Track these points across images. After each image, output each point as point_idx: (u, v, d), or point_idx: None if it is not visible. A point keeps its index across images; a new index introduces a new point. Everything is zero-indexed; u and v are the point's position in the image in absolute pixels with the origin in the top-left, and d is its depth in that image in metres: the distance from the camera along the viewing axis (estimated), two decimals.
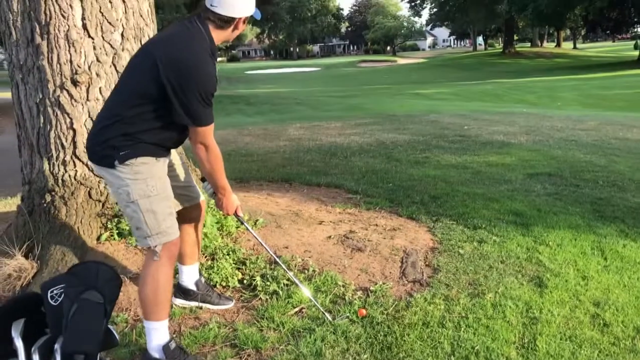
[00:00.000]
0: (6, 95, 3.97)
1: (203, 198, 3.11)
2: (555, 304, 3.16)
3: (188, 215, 2.98)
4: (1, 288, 3.36)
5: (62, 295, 1.20)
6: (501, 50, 63.81)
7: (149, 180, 2.55)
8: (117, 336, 1.30)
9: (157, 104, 2.46)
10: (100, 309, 1.19)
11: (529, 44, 72.91)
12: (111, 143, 2.52)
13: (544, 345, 2.75)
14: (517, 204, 5.00)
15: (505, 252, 3.89)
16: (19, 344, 1.16)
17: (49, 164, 3.70)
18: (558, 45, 68.92)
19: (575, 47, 73.23)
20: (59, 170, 3.68)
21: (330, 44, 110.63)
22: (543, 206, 4.93)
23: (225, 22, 2.54)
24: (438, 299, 3.22)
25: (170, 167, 2.82)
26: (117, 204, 3.20)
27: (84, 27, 3.57)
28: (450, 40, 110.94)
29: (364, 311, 3.08)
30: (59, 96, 3.59)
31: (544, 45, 73.69)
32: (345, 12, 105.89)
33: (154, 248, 2.58)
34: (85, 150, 3.65)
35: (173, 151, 2.86)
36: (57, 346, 1.16)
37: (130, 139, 2.50)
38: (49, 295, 1.22)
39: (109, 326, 1.26)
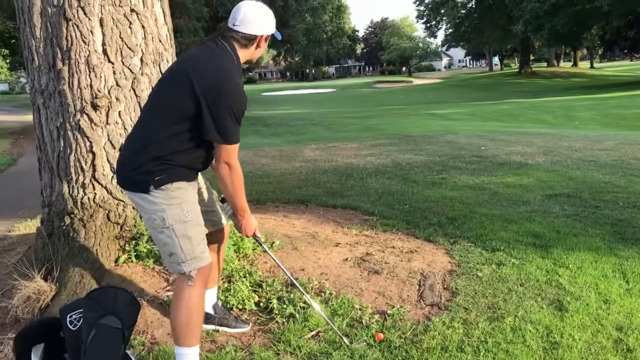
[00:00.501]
0: (28, 118, 4.06)
1: (226, 222, 3.13)
2: (577, 328, 3.10)
3: (211, 239, 2.98)
4: (21, 310, 3.38)
5: (81, 320, 1.21)
6: (517, 70, 63.66)
7: (184, 205, 2.58)
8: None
9: (192, 122, 2.50)
10: (119, 334, 1.20)
11: (545, 64, 72.73)
12: (145, 168, 2.54)
13: None
14: (535, 226, 4.94)
15: (525, 274, 3.84)
16: None
17: (68, 186, 3.74)
18: (575, 64, 68.67)
19: (592, 67, 72.96)
20: (78, 193, 3.72)
21: (346, 65, 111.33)
22: (562, 228, 4.87)
23: (249, 40, 2.64)
24: (457, 322, 3.18)
25: (197, 190, 2.85)
26: (148, 230, 3.23)
27: (104, 52, 3.64)
28: (466, 60, 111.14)
29: (381, 335, 3.05)
30: (79, 120, 3.64)
31: (560, 64, 73.46)
32: (361, 34, 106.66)
33: (189, 274, 2.59)
34: (104, 174, 3.71)
35: (199, 175, 2.89)
36: None
37: (164, 162, 2.53)
38: (67, 319, 1.23)
39: (127, 351, 1.26)
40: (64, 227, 3.73)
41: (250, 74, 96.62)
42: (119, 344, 1.19)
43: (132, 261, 3.70)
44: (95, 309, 1.20)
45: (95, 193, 3.73)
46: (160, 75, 3.78)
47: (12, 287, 3.58)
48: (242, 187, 2.74)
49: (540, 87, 45.31)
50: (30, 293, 3.42)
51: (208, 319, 3.19)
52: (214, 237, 3.03)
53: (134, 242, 3.75)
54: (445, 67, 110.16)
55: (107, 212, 3.74)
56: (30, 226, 5.95)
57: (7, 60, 37.24)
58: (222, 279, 3.66)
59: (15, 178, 11.15)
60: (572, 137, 12.03)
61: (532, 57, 68.31)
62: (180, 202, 2.57)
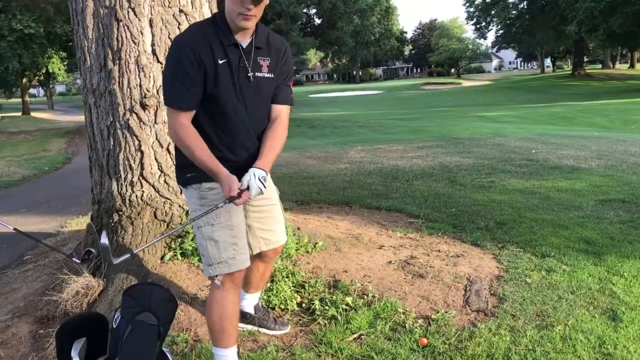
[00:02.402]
0: (82, 118, 4.17)
1: (283, 242, 2.97)
2: (632, 339, 2.95)
3: (263, 253, 2.91)
4: (70, 304, 3.48)
5: (120, 317, 1.21)
6: (570, 72, 61.90)
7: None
8: (172, 358, 1.29)
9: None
10: (154, 330, 1.19)
11: (599, 66, 70.46)
12: (178, 163, 2.63)
13: None
14: (588, 232, 4.76)
15: (576, 282, 3.69)
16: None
17: (117, 184, 3.83)
18: (632, 66, 66.17)
19: None
20: (126, 190, 3.80)
21: (393, 66, 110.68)
22: (616, 234, 4.68)
23: None
24: (503, 329, 3.09)
25: (260, 207, 2.77)
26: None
27: (153, 52, 3.70)
28: (516, 62, 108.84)
29: (425, 340, 2.98)
30: (128, 119, 3.72)
31: (616, 66, 71.02)
32: (409, 35, 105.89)
33: (215, 278, 2.57)
34: (152, 172, 3.77)
35: (269, 190, 2.69)
36: None
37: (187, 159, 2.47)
38: (115, 318, 1.25)
39: (163, 349, 1.26)
40: (113, 224, 3.81)
41: (297, 75, 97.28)
42: (154, 340, 1.18)
43: (177, 259, 3.75)
44: (132, 305, 1.20)
45: (143, 191, 3.80)
46: None
47: (62, 282, 3.68)
48: (197, 153, 2.37)
49: (594, 90, 43.91)
50: (79, 288, 3.51)
51: (248, 319, 3.19)
52: (266, 252, 2.92)
53: (179, 240, 3.80)
54: (495, 69, 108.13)
55: (154, 209, 3.81)
56: (81, 222, 6.13)
57: (65, 63, 38.67)
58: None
59: (69, 176, 11.53)
60: (628, 141, 11.59)
61: (586, 59, 66.32)
62: (210, 204, 2.48)
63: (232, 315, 2.64)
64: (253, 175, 2.40)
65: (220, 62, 2.36)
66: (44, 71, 36.97)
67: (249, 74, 2.44)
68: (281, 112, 2.67)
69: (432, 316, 3.27)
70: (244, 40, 2.42)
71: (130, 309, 1.20)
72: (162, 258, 3.74)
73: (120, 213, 3.79)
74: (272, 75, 2.53)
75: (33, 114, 39.10)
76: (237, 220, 2.61)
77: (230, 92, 2.44)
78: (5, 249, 5.53)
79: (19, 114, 38.67)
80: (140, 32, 3.64)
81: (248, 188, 2.38)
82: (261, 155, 2.51)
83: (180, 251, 3.77)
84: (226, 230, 2.55)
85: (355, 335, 3.09)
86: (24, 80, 36.30)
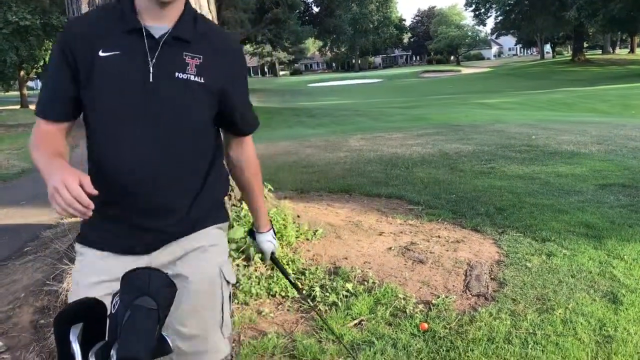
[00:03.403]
0: None
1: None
2: (632, 322, 2.96)
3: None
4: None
5: (118, 302, 1.22)
6: (570, 58, 61.70)
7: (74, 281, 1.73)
8: (172, 344, 1.30)
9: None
10: (154, 314, 1.19)
11: (599, 51, 70.18)
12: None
13: None
14: (588, 216, 4.76)
15: (576, 266, 3.69)
16: (75, 347, 1.17)
17: None
18: (632, 51, 65.87)
19: None
20: None
21: (393, 55, 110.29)
22: (617, 218, 4.67)
23: None
24: (504, 314, 3.09)
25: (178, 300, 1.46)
26: None
27: None
28: (516, 48, 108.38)
29: (425, 325, 2.99)
30: None
31: (616, 51, 70.74)
32: (408, 23, 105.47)
33: None
34: None
35: (198, 278, 1.70)
36: (113, 352, 1.17)
37: None
38: (112, 303, 1.25)
39: (163, 333, 1.26)
40: None
41: (296, 65, 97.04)
42: (154, 324, 1.18)
43: None
44: (130, 290, 1.19)
45: None
46: None
47: (62, 272, 3.68)
48: (37, 157, 1.58)
49: (594, 75, 43.76)
50: None
51: None
52: None
53: None
54: (494, 56, 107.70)
55: None
56: None
57: None
58: (266, 267, 3.66)
59: None
60: (628, 126, 11.55)
61: (585, 44, 66.02)
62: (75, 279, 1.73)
63: None
64: (270, 242, 2.06)
65: (103, 54, 1.57)
66: (41, 64, 36.85)
67: (152, 73, 1.58)
68: (249, 146, 1.90)
69: (433, 301, 3.28)
70: (158, 25, 1.60)
71: (129, 294, 1.19)
72: None
73: None
74: (203, 81, 1.63)
75: (31, 107, 39.06)
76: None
77: (117, 99, 1.59)
78: (6, 241, 5.53)
79: (17, 107, 38.60)
80: None
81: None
82: (258, 216, 2.03)
83: None
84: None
85: (355, 321, 3.10)
86: (22, 73, 36.14)
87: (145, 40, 1.58)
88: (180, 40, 1.61)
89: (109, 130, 1.61)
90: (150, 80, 1.57)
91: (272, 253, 2.08)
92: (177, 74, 1.59)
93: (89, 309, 1.26)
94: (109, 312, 1.26)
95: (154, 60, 1.57)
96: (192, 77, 1.60)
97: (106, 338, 1.24)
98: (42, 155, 1.57)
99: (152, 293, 1.19)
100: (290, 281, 2.34)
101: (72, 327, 1.20)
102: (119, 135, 1.60)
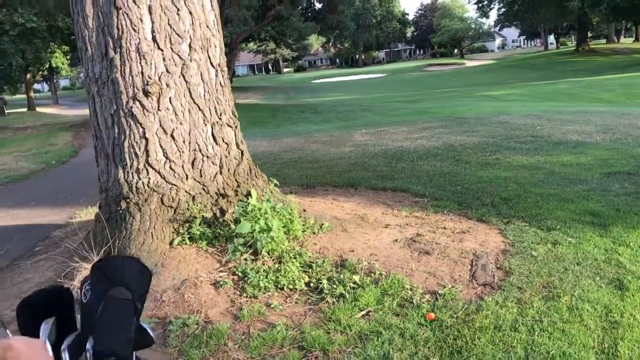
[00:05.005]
0: (87, 111, 4.15)
1: None
2: (638, 307, 2.98)
3: None
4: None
5: (89, 291, 1.15)
6: (574, 48, 61.29)
7: None
8: (153, 334, 1.22)
9: None
10: (129, 305, 1.13)
11: (604, 41, 69.68)
12: None
13: (626, 350, 2.60)
14: (593, 204, 4.77)
15: (582, 253, 3.71)
16: (48, 347, 1.09)
17: (123, 172, 3.86)
18: (637, 39, 65.40)
19: None
20: (132, 178, 3.84)
21: (396, 49, 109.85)
22: (622, 206, 4.68)
23: None
24: (510, 302, 3.11)
25: None
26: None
27: (154, 39, 3.72)
28: (520, 40, 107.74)
29: (432, 315, 3.02)
30: (132, 107, 3.74)
31: (620, 41, 70.19)
32: (411, 17, 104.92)
33: None
34: (157, 159, 3.80)
35: None
36: (88, 346, 1.11)
37: None
38: (83, 291, 1.14)
39: (142, 324, 1.20)
40: (121, 211, 3.85)
41: (300, 61, 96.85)
42: (130, 315, 1.12)
43: (185, 243, 3.79)
44: (102, 280, 1.13)
45: (149, 178, 3.83)
46: (209, 61, 3.85)
47: (73, 270, 3.73)
48: None
49: (599, 65, 43.48)
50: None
51: None
52: None
53: (187, 224, 3.84)
54: (498, 48, 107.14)
55: (161, 196, 3.84)
56: (90, 213, 6.18)
57: (68, 57, 38.68)
58: (273, 260, 3.70)
59: (76, 168, 11.59)
60: (632, 115, 11.51)
61: (590, 34, 65.54)
62: None
63: None
64: None
65: None
66: (47, 66, 37.00)
67: None
68: None
69: (439, 291, 3.30)
70: None
71: (101, 285, 1.14)
72: (170, 243, 3.79)
73: (128, 200, 3.83)
74: None
75: (38, 109, 39.17)
76: None
77: None
78: (16, 242, 5.60)
79: (25, 109, 38.75)
80: (140, 19, 3.65)
81: None
82: None
83: (189, 235, 3.81)
84: None
85: (363, 312, 3.13)
86: (28, 75, 36.31)
87: None
88: None
89: None
90: None
91: None
92: None
93: (59, 298, 1.15)
94: (79, 300, 1.11)
95: None
96: None
97: (78, 328, 1.12)
98: None
99: (126, 282, 1.13)
100: None
101: (43, 322, 1.09)
102: None
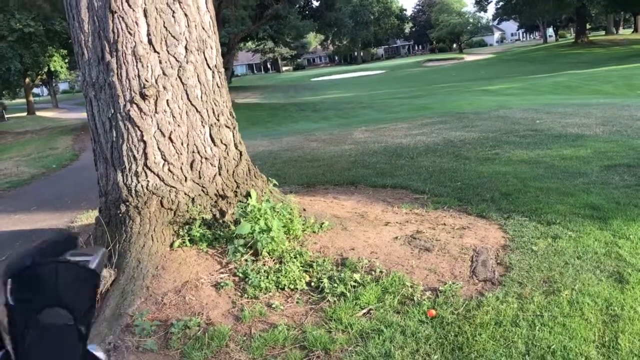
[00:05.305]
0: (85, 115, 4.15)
1: None
2: (639, 300, 2.98)
3: None
4: None
5: (14, 303, 0.81)
6: (573, 40, 61.19)
7: None
8: (104, 357, 0.84)
9: None
10: (72, 332, 0.84)
11: (603, 32, 69.53)
12: None
13: (627, 343, 2.60)
14: (593, 198, 4.77)
15: (582, 247, 3.71)
16: None
17: (122, 175, 3.87)
18: (636, 30, 65.22)
19: None
20: (132, 181, 3.84)
21: (395, 45, 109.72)
22: (622, 199, 4.68)
23: None
24: (511, 297, 3.12)
25: None
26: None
27: (150, 42, 3.72)
28: (518, 33, 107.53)
29: (433, 312, 3.02)
30: (129, 110, 3.75)
31: (619, 32, 70.05)
32: (409, 13, 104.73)
33: None
34: (156, 162, 3.80)
35: None
36: None
37: None
38: (8, 287, 0.75)
39: (90, 349, 0.81)
40: (120, 215, 3.86)
41: (299, 60, 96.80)
42: (74, 344, 0.84)
43: (186, 245, 3.80)
44: (27, 293, 0.81)
45: (148, 180, 3.84)
46: (205, 62, 3.85)
47: None
48: None
49: (598, 57, 43.42)
50: None
51: None
52: None
53: (187, 226, 3.85)
54: (497, 42, 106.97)
55: (160, 198, 3.85)
56: (91, 217, 6.19)
57: (66, 60, 38.72)
58: (274, 260, 3.71)
59: (77, 172, 11.60)
60: (632, 106, 11.49)
61: (588, 26, 65.40)
62: None
63: None
64: None
65: None
66: (46, 70, 37.03)
67: None
68: None
69: (440, 288, 3.31)
70: None
71: (27, 302, 0.81)
72: (171, 245, 3.80)
73: (127, 203, 3.84)
74: None
75: (38, 113, 39.24)
76: None
77: None
78: (19, 246, 5.61)
79: (24, 114, 38.81)
80: (135, 22, 3.66)
81: None
82: None
83: (189, 237, 3.82)
84: None
85: (364, 310, 3.14)
86: (27, 80, 36.37)
87: None
88: None
89: None
90: None
91: None
92: None
93: None
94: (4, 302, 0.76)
95: None
96: None
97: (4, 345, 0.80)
98: None
99: (63, 299, 0.82)
100: None
101: None
102: None
